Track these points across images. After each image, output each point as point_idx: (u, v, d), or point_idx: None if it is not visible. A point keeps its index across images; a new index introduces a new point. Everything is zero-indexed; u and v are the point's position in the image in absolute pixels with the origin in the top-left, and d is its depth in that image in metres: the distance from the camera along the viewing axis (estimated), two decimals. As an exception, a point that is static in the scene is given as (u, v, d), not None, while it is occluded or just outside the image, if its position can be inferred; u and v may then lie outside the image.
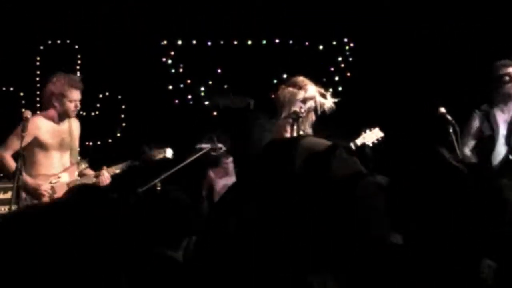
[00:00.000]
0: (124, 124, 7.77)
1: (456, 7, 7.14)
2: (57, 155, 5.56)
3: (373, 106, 7.25)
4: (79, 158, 5.71)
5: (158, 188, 5.95)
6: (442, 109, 5.52)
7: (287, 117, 5.28)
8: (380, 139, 5.56)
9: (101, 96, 7.81)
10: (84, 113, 7.82)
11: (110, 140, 7.79)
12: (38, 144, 5.53)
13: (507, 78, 5.73)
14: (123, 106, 7.82)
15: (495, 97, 5.82)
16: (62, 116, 5.59)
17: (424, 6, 7.26)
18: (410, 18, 7.34)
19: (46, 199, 5.43)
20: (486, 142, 5.73)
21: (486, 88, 5.86)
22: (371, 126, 5.70)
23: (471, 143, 5.80)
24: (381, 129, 5.76)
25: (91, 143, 7.50)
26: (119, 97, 7.81)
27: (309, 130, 5.31)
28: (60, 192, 5.44)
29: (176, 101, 7.81)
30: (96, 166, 5.73)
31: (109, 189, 5.63)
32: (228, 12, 7.54)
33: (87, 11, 7.49)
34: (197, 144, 6.05)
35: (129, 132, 7.65)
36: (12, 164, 5.48)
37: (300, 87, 5.27)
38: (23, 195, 5.42)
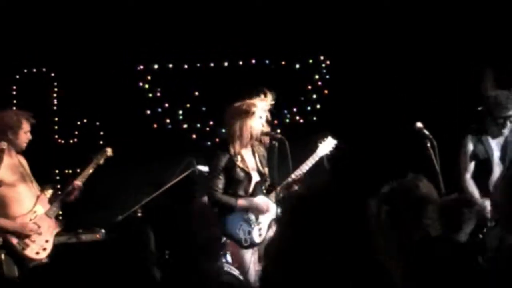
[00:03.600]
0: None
1: (429, 22, 7.20)
2: (25, 188, 5.53)
3: (351, 123, 7.27)
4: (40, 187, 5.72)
5: (139, 214, 5.94)
6: (419, 124, 5.52)
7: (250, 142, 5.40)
8: (334, 146, 5.57)
9: (79, 123, 7.77)
10: (62, 141, 7.80)
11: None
12: (3, 184, 5.42)
13: (501, 121, 5.59)
14: (102, 133, 7.77)
15: (488, 124, 5.68)
16: (14, 148, 5.55)
17: (399, 22, 7.31)
18: (385, 34, 7.39)
19: (34, 237, 5.40)
20: (483, 166, 5.68)
21: (479, 113, 5.69)
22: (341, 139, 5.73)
23: (470, 167, 5.73)
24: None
25: (70, 171, 7.43)
26: (97, 123, 7.78)
27: (263, 150, 5.49)
28: (43, 224, 5.43)
29: (155, 126, 7.78)
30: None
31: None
32: (203, 35, 7.54)
33: (61, 38, 7.47)
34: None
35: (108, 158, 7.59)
36: None
37: (246, 109, 5.32)
38: (13, 241, 5.39)
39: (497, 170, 5.65)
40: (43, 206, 5.55)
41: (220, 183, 5.30)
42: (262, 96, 5.41)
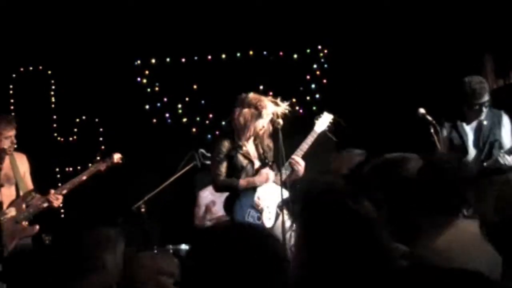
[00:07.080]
0: (103, 147, 7.68)
1: (429, 9, 7.15)
2: (4, 189, 5.56)
3: (352, 112, 7.23)
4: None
5: (142, 210, 5.90)
6: (422, 110, 5.50)
7: (251, 136, 5.41)
8: (332, 121, 5.59)
9: (78, 120, 7.72)
10: (62, 139, 7.76)
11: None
12: None
13: (477, 107, 5.60)
14: (101, 129, 7.73)
15: (465, 111, 5.71)
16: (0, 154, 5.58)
17: (397, 9, 7.26)
18: (383, 21, 7.35)
19: None
20: (458, 151, 5.67)
21: (456, 101, 5.73)
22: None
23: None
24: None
25: (71, 169, 7.39)
26: (96, 120, 7.73)
27: (269, 140, 5.44)
28: (8, 227, 5.41)
29: (154, 120, 7.74)
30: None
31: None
32: (200, 28, 7.49)
33: (58, 35, 7.41)
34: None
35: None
36: None
37: (256, 106, 5.31)
38: None
39: (472, 154, 5.67)
40: (16, 210, 5.54)
41: (223, 167, 5.35)
42: (277, 100, 5.41)
